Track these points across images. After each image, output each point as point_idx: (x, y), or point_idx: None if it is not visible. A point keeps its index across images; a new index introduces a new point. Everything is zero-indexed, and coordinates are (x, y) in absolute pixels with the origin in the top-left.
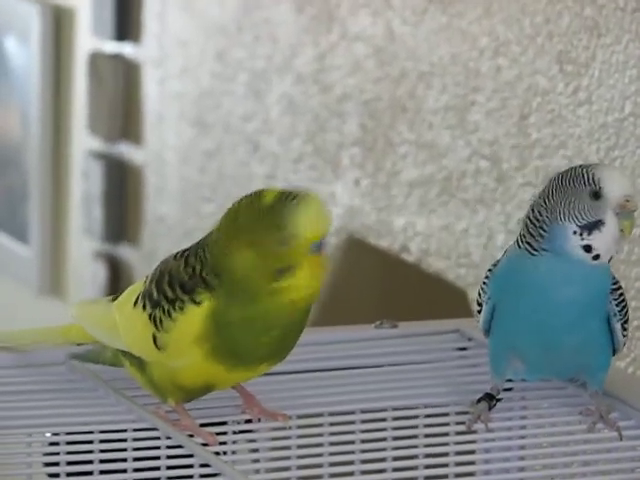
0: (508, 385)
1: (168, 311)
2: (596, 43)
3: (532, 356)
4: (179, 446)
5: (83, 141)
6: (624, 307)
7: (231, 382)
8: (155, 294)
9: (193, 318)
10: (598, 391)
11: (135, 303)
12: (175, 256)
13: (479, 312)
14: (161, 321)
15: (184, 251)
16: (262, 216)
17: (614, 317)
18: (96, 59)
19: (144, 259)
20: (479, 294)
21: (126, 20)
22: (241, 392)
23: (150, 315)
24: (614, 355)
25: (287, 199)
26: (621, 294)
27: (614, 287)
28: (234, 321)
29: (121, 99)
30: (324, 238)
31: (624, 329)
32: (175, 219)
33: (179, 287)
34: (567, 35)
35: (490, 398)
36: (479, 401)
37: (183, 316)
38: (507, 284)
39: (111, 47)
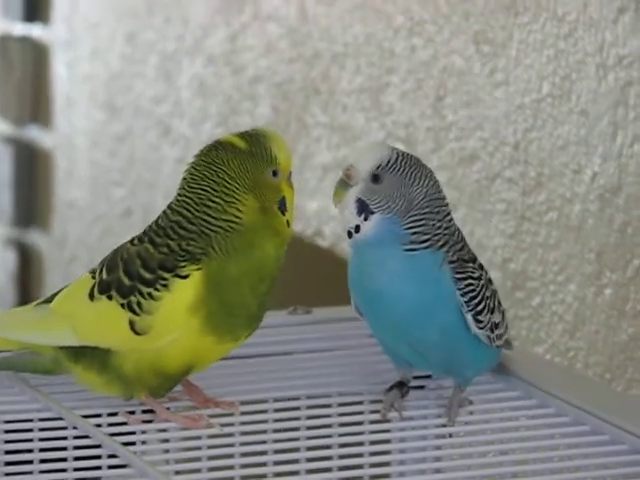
0: (428, 373)
1: (149, 293)
2: (513, 22)
3: (400, 352)
4: (86, 436)
5: None
6: (473, 297)
7: (214, 358)
8: (127, 281)
9: (183, 291)
10: (462, 387)
11: (91, 297)
12: (132, 241)
13: None
14: (139, 305)
15: (138, 237)
16: (248, 158)
17: (462, 308)
18: (5, 42)
19: (54, 245)
20: None
21: (35, 1)
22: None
23: (123, 304)
24: (498, 348)
25: (258, 136)
26: (469, 284)
27: (458, 277)
28: (232, 276)
29: (30, 82)
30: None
31: (477, 321)
32: (85, 203)
33: (159, 267)
34: (484, 14)
35: (401, 385)
36: (390, 389)
37: (170, 293)
38: (352, 287)
39: (20, 29)
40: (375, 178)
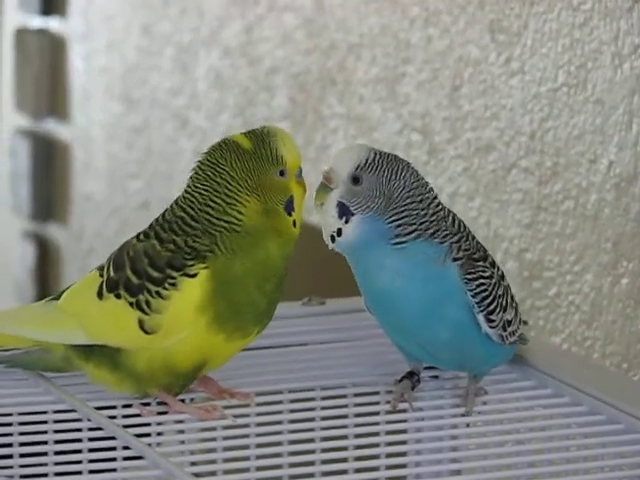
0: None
1: (157, 292)
2: (528, 11)
3: (411, 351)
4: (100, 428)
5: (10, 118)
6: (485, 297)
7: (226, 355)
8: (135, 279)
9: (192, 290)
10: (477, 377)
11: (100, 295)
12: (138, 237)
13: None
14: (148, 304)
15: (144, 232)
16: (252, 158)
17: (473, 308)
18: (22, 35)
19: (72, 237)
20: None
21: None
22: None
23: (132, 302)
24: (510, 346)
25: (264, 135)
26: (480, 284)
27: (469, 277)
28: (237, 275)
29: (47, 75)
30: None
31: (489, 320)
32: (102, 196)
33: (167, 266)
34: (499, 4)
35: (411, 376)
36: (401, 380)
37: (179, 292)
38: (359, 287)
39: (37, 22)
40: (355, 180)
